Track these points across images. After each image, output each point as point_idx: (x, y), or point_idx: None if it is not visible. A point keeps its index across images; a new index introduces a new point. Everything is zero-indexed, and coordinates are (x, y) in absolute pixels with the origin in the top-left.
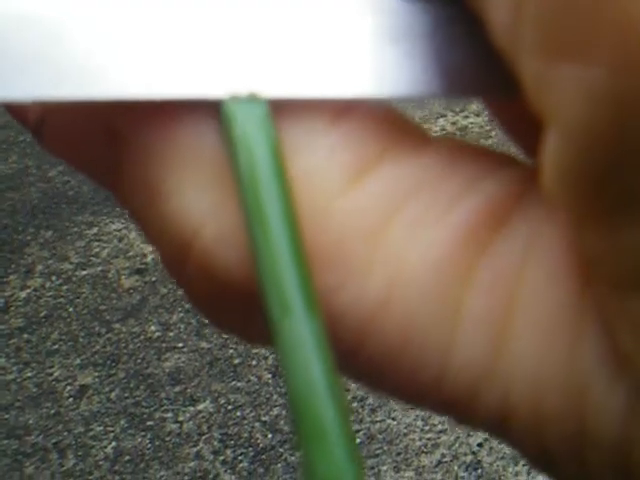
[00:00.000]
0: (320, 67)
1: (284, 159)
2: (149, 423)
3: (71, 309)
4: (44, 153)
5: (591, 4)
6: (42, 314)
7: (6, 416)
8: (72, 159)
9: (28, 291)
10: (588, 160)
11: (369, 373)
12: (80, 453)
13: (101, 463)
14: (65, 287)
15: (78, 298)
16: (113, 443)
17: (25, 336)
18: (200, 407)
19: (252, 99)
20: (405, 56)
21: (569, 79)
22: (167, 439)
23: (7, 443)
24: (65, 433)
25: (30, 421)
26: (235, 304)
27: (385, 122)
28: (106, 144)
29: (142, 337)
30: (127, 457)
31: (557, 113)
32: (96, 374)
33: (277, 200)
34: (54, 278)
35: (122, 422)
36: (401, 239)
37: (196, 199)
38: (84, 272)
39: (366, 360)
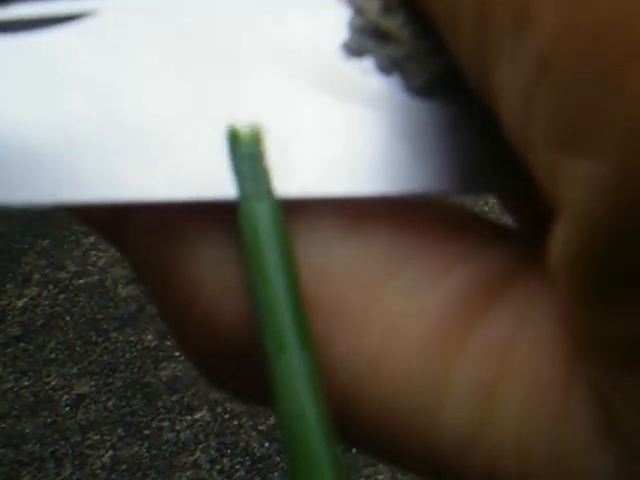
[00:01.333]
0: (333, 165)
1: (284, 220)
2: (146, 432)
3: (68, 318)
4: None
5: (598, 105)
6: (39, 323)
7: (3, 425)
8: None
9: (25, 300)
10: (595, 248)
11: (360, 432)
12: (77, 462)
13: (98, 472)
14: (62, 296)
15: (75, 307)
16: (110, 452)
17: (22, 345)
18: (197, 416)
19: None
20: (420, 153)
21: (579, 172)
22: (164, 448)
23: (4, 452)
24: (62, 442)
25: (27, 430)
26: (233, 361)
27: None
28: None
29: (139, 346)
30: (124, 466)
31: (568, 203)
32: (93, 383)
33: (276, 249)
34: (51, 287)
35: (119, 431)
36: (396, 299)
37: (203, 253)
38: (81, 281)
39: (356, 417)
